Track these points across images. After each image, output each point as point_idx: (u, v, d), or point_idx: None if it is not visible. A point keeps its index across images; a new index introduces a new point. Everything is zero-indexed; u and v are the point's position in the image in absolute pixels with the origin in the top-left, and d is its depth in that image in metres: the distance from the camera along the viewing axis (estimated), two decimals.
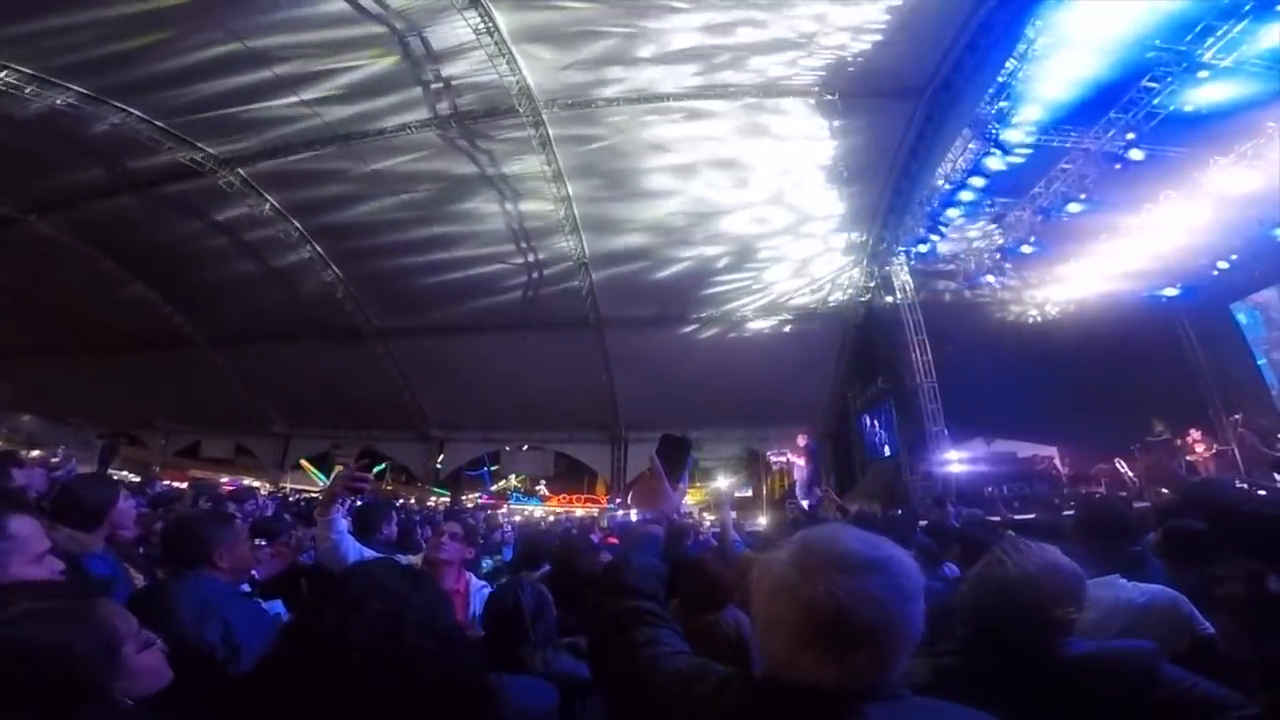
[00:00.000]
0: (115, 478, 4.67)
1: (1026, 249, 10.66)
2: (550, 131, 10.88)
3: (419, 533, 5.41)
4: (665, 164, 11.56)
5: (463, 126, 10.86)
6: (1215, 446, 10.02)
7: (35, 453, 10.59)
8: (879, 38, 8.95)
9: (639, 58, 9.73)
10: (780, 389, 16.16)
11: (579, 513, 16.88)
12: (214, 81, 9.67)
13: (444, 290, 13.90)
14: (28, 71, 9.06)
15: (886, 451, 15.24)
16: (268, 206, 12.19)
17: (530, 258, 13.50)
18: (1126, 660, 1.46)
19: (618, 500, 16.93)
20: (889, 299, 12.83)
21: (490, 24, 8.99)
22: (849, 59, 9.41)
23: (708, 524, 10.37)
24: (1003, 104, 8.63)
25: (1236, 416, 10.24)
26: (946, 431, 12.77)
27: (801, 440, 15.55)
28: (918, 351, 12.74)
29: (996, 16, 8.10)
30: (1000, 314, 12.64)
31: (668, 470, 1.68)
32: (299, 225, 12.76)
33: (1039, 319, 12.25)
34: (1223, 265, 10.72)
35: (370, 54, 9.59)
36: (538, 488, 18.08)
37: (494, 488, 18.02)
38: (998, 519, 8.85)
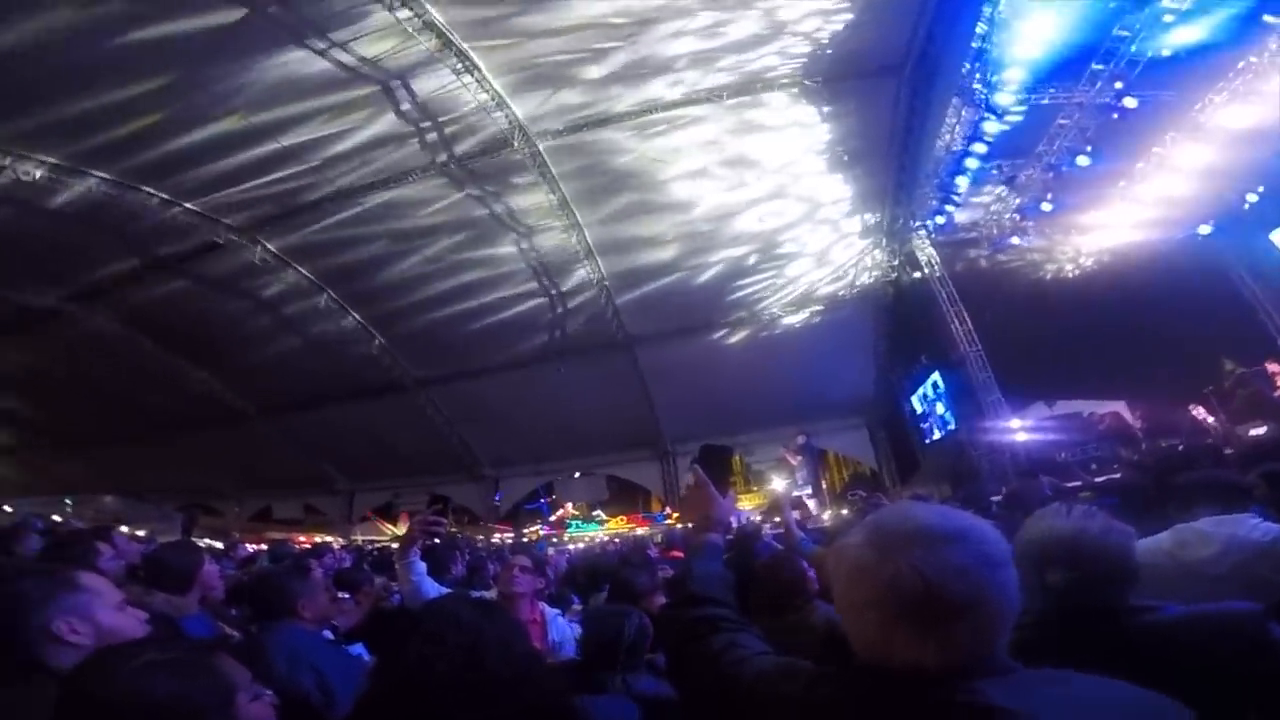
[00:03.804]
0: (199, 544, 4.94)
1: (1046, 206, 10.42)
2: (549, 161, 11.04)
3: (488, 569, 5.54)
4: (667, 176, 11.61)
5: (466, 171, 11.10)
6: None
7: (123, 528, 11.13)
8: (849, 17, 8.91)
9: (623, 76, 9.82)
10: (822, 382, 15.96)
11: (640, 531, 16.96)
12: (227, 158, 10.08)
13: (476, 336, 14.17)
14: (52, 161, 9.51)
15: (938, 433, 15.01)
16: (301, 278, 12.67)
17: (553, 291, 13.68)
18: (1229, 622, 1.37)
19: (666, 513, 16.97)
20: (916, 274, 12.64)
21: (469, 64, 9.18)
22: (824, 44, 9.38)
23: (768, 528, 10.33)
24: (985, 69, 8.49)
25: None
26: (1003, 399, 12.51)
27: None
28: (957, 322, 12.43)
29: None
30: (1035, 273, 12.35)
31: (712, 478, 1.64)
32: (333, 294, 13.22)
33: (1076, 273, 11.92)
34: (1251, 198, 10.35)
35: (364, 113, 9.88)
36: (595, 513, 18.19)
37: (552, 518, 18.20)
38: (1077, 484, 8.61)
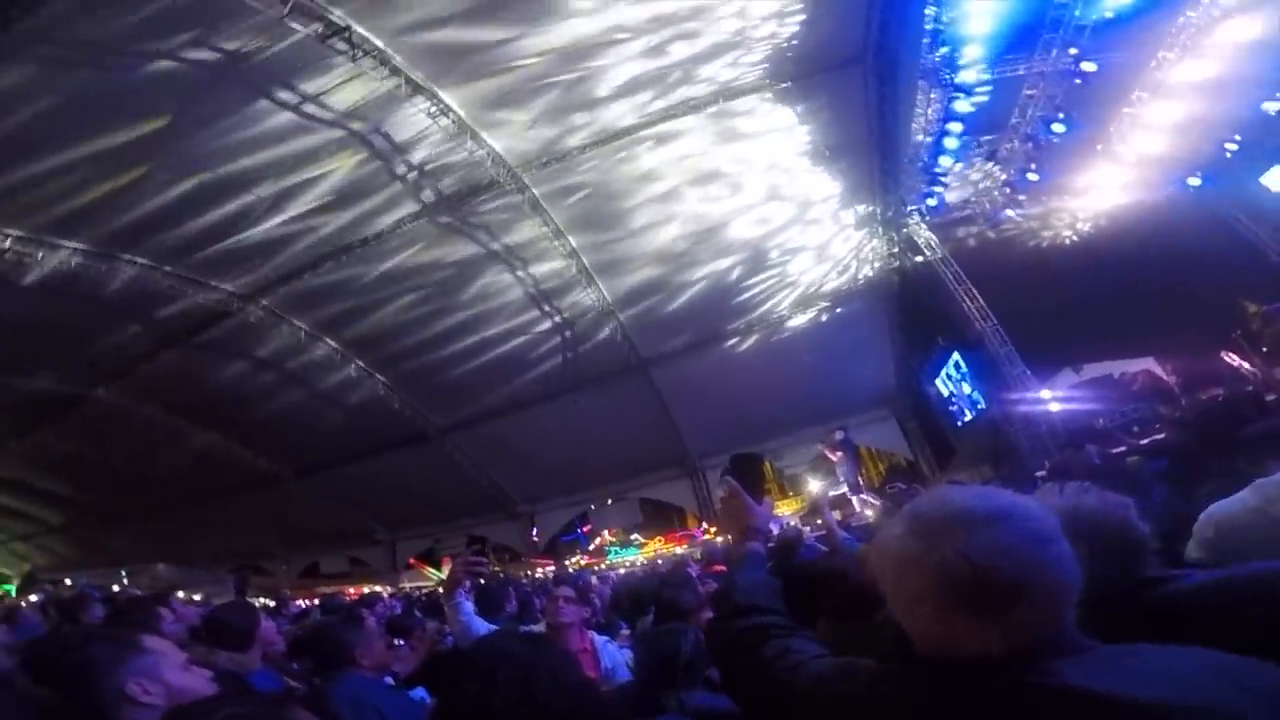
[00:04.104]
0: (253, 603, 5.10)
1: (1032, 176, 10.53)
2: (536, 192, 11.16)
3: (535, 604, 5.62)
4: (655, 193, 11.71)
5: (452, 210, 11.20)
6: None
7: (179, 593, 11.35)
8: (802, 17, 9.03)
9: (596, 98, 9.95)
10: (841, 378, 15.85)
11: (679, 550, 16.91)
12: (204, 215, 10.05)
13: (487, 373, 14.30)
14: (21, 235, 9.38)
15: (969, 415, 14.83)
16: (301, 333, 12.80)
17: (557, 319, 13.80)
18: (1258, 584, 1.28)
19: (703, 528, 16.90)
20: (918, 259, 12.65)
21: (441, 105, 9.29)
22: (785, 45, 9.49)
23: (809, 531, 10.27)
24: (944, 50, 8.62)
25: None
26: (1028, 371, 12.41)
27: (838, 435, 15.29)
28: (967, 300, 12.39)
29: None
30: (1036, 242, 12.35)
31: (745, 487, 1.67)
32: (333, 343, 13.35)
33: (1075, 237, 11.93)
34: (1231, 146, 10.36)
35: (338, 159, 9.92)
36: (632, 537, 18.17)
37: (591, 546, 18.21)
38: (1122, 449, 8.47)
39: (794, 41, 9.50)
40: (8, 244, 9.23)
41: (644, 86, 9.96)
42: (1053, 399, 11.88)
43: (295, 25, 7.70)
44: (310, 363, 13.57)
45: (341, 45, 8.07)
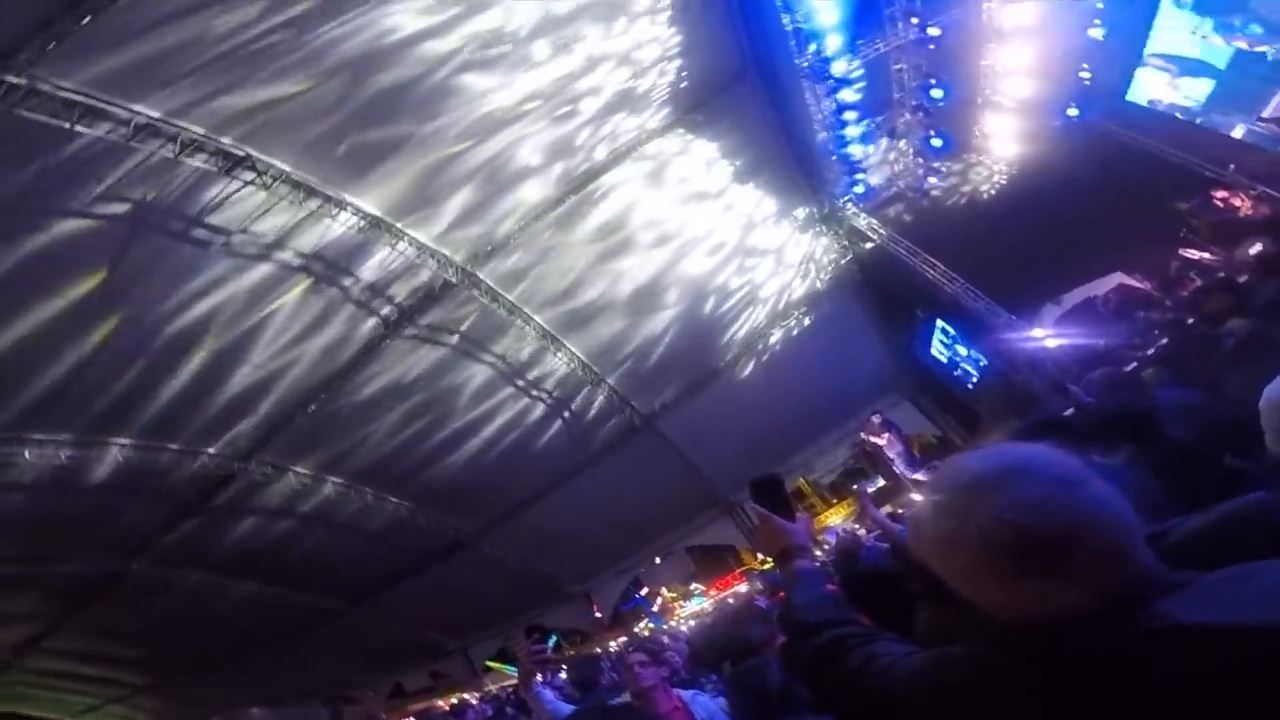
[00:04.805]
0: None
1: (936, 142, 11.00)
2: (489, 282, 11.38)
3: (617, 676, 5.72)
4: (604, 249, 12.06)
5: (413, 320, 11.29)
6: (1247, 196, 9.43)
7: None
8: (679, 47, 9.57)
9: (514, 175, 10.23)
10: (841, 376, 15.90)
11: (741, 588, 16.75)
12: (174, 380, 10.10)
13: (500, 471, 14.54)
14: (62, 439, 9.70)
15: (975, 374, 14.65)
16: (308, 478, 13.10)
17: (549, 401, 14.03)
18: (1247, 516, 1.26)
19: (758, 560, 16.71)
20: (867, 245, 12.91)
21: (363, 215, 9.34)
22: (676, 80, 10.03)
23: (865, 533, 10.20)
24: (811, 47, 9.14)
25: (1231, 167, 9.74)
26: (1013, 317, 12.41)
27: (876, 419, 15.13)
28: (928, 269, 12.63)
29: None
30: (966, 198, 12.54)
31: (773, 509, 1.66)
32: (341, 480, 13.57)
33: (1002, 182, 12.12)
34: (1085, 75, 10.75)
35: (285, 292, 9.89)
36: (692, 587, 18.05)
37: (655, 608, 18.11)
38: (1134, 365, 8.40)
39: (683, 74, 10.09)
40: (29, 454, 9.58)
41: (564, 152, 10.38)
42: (1046, 335, 11.80)
43: (192, 162, 7.77)
44: (326, 502, 13.88)
45: (247, 174, 8.14)
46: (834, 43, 9.30)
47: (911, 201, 12.46)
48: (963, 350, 14.51)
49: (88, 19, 6.42)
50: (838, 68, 9.48)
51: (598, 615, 18.39)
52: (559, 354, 13.07)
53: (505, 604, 18.03)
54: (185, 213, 8.48)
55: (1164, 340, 8.77)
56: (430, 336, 11.94)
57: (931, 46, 9.44)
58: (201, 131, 7.74)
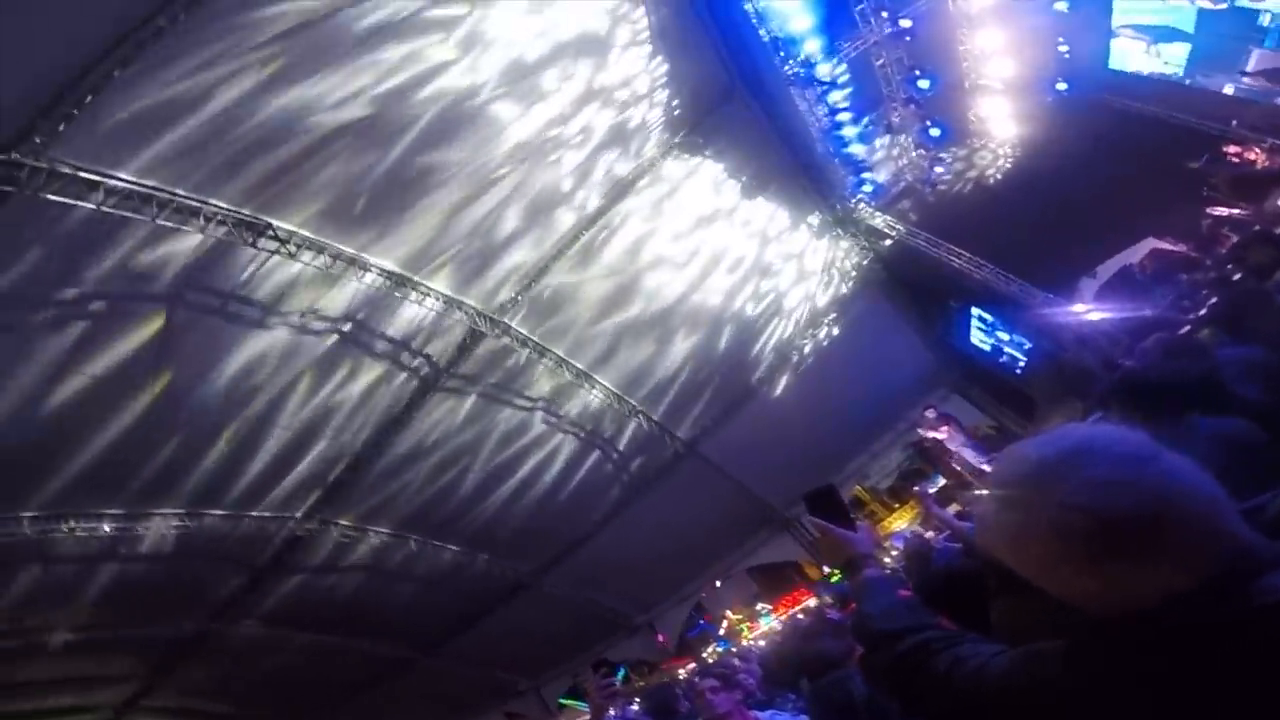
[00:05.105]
0: None
1: (934, 132, 10.95)
2: (525, 329, 11.68)
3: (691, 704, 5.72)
4: (624, 280, 12.18)
5: (449, 373, 11.61)
6: (1260, 149, 9.18)
7: None
8: (665, 74, 9.79)
9: (527, 217, 10.44)
10: (882, 376, 15.65)
11: (810, 602, 16.37)
12: (243, 464, 10.81)
13: (547, 510, 14.66)
14: (117, 512, 10.23)
15: (1022, 359, 14.20)
16: (381, 535, 13.49)
17: (588, 436, 14.14)
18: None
19: (826, 572, 16.31)
20: (886, 242, 12.76)
21: (386, 273, 9.67)
22: (671, 104, 10.25)
23: (933, 535, 9.95)
24: (783, 54, 9.22)
25: (1233, 122, 9.43)
26: (1050, 295, 12.08)
27: (930, 413, 14.73)
28: (953, 259, 12.42)
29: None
30: (976, 184, 12.33)
31: (832, 520, 1.64)
32: (414, 536, 13.95)
33: (1009, 163, 11.87)
34: (1063, 49, 10.64)
35: (323, 359, 10.33)
36: (758, 607, 17.74)
37: (721, 631, 17.85)
38: (1187, 329, 8.13)
39: (673, 99, 10.32)
40: (108, 528, 10.28)
41: (569, 190, 10.62)
42: (1089, 310, 11.44)
43: (216, 234, 8.08)
44: (388, 553, 14.18)
45: (270, 243, 8.45)
46: (813, 47, 9.41)
47: (923, 193, 12.29)
48: (1004, 336, 14.09)
49: (90, 96, 6.80)
50: (822, 71, 9.58)
51: (662, 644, 18.22)
52: (592, 389, 13.19)
53: (571, 640, 18.05)
54: (215, 286, 8.86)
55: (1213, 299, 8.45)
56: (466, 387, 12.24)
57: (908, 38, 9.51)
58: (222, 204, 8.11)
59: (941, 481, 16.74)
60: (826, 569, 16.60)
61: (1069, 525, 0.81)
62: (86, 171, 7.25)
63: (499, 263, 10.91)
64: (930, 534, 10.16)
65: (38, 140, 6.82)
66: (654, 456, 14.91)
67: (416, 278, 10.18)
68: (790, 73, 9.50)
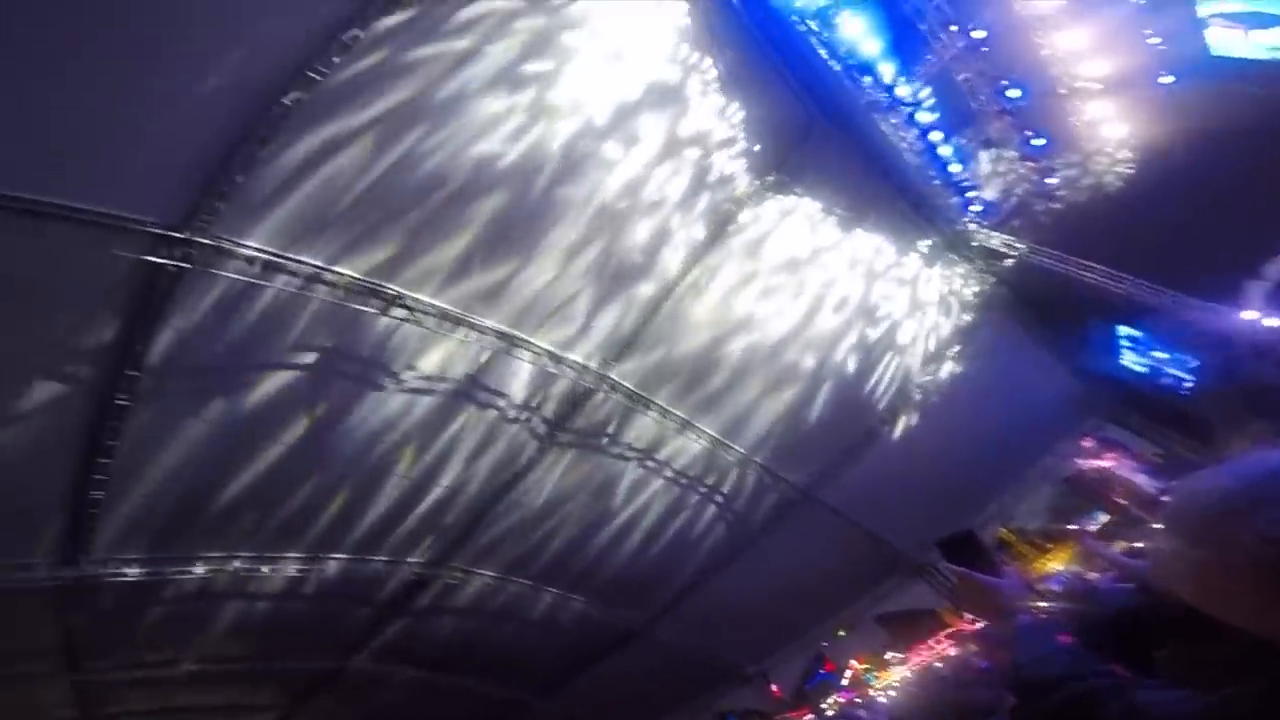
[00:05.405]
0: None
1: (1037, 141, 10.16)
2: (631, 384, 11.78)
3: None
4: (726, 327, 11.93)
5: (563, 429, 11.91)
6: None
7: None
8: (742, 115, 9.68)
9: (623, 270, 10.65)
10: (1020, 408, 14.29)
11: (951, 651, 15.05)
12: (375, 505, 11.55)
13: (663, 560, 14.48)
14: (247, 555, 11.28)
15: (1188, 379, 12.51)
16: (492, 579, 13.84)
17: (702, 488, 13.84)
18: None
19: (966, 620, 14.92)
20: (1007, 262, 11.70)
21: (488, 330, 10.15)
22: (749, 146, 10.07)
23: (1098, 576, 9.08)
24: (867, 79, 8.82)
25: None
26: (1211, 304, 10.67)
27: (1087, 443, 13.26)
28: (1087, 274, 11.23)
29: (765, 29, 8.77)
30: (1096, 191, 11.08)
31: (972, 566, 1.59)
32: (524, 581, 14.19)
33: (1131, 166, 10.60)
34: (1154, 41, 9.65)
35: (450, 420, 11.03)
36: (888, 656, 16.52)
37: (844, 681, 16.75)
38: None
39: (754, 141, 10.11)
40: (236, 564, 11.42)
41: (661, 240, 10.66)
42: (1261, 316, 10.06)
43: (354, 306, 8.98)
44: (511, 600, 14.59)
45: (400, 313, 9.32)
46: (888, 71, 9.02)
47: (1040, 207, 11.19)
48: (1162, 355, 12.51)
49: (240, 177, 7.63)
50: (901, 92, 9.12)
51: (778, 695, 17.38)
52: (699, 439, 12.96)
53: (684, 690, 17.60)
54: (359, 354, 9.76)
55: None
56: (579, 441, 12.42)
57: (984, 49, 9.02)
58: (357, 275, 8.96)
59: (1103, 518, 15.08)
60: (969, 616, 15.24)
61: (1268, 558, 0.76)
62: (249, 249, 8.25)
63: (599, 317, 11.10)
64: (1093, 575, 9.15)
65: (199, 221, 7.75)
66: (768, 504, 14.36)
67: (529, 338, 10.66)
68: (869, 99, 9.07)
